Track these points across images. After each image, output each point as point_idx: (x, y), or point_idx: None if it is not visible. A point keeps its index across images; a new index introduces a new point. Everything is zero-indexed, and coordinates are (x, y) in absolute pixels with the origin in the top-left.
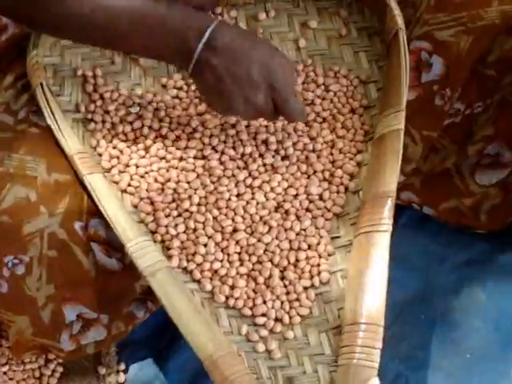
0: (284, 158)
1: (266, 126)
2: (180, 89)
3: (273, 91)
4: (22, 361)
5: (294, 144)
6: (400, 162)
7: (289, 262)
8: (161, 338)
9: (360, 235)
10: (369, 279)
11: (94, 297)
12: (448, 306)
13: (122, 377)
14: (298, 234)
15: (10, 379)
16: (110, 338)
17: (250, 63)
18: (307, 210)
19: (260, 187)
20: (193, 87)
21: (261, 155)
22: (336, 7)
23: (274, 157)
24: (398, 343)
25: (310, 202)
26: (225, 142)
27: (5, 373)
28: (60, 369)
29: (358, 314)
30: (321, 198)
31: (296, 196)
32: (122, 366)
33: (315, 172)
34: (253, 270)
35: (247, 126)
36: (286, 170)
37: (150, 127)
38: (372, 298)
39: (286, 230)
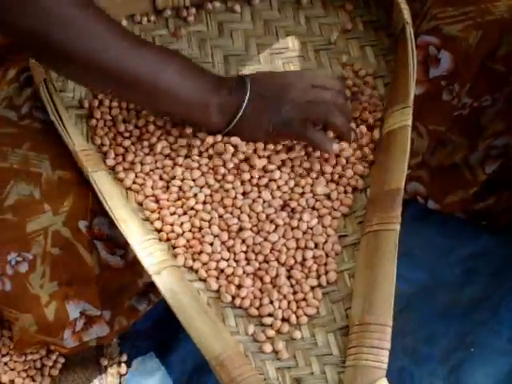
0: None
1: None
2: None
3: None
4: (24, 352)
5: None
6: (408, 159)
7: (295, 261)
8: (163, 330)
9: (368, 234)
10: (377, 279)
11: (98, 294)
12: (453, 299)
13: (123, 368)
14: (304, 233)
15: (12, 370)
16: (112, 334)
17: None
18: (313, 208)
19: (266, 185)
20: None
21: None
22: (342, 1)
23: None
24: (403, 337)
25: (317, 200)
26: None
27: (6, 363)
28: (62, 360)
29: (365, 314)
30: (328, 197)
31: (302, 194)
32: (124, 358)
33: (324, 173)
34: (259, 269)
35: None
36: (293, 169)
37: (154, 124)
38: (380, 298)
39: (292, 228)
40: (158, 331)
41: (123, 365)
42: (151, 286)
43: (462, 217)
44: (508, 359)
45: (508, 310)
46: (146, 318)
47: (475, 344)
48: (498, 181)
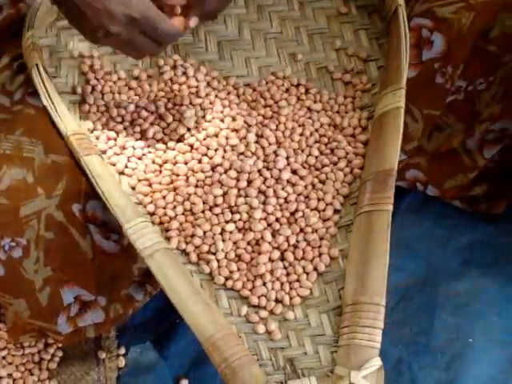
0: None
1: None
2: (174, 68)
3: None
4: (22, 345)
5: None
6: (400, 140)
7: (289, 244)
8: (161, 323)
9: (361, 215)
10: (369, 259)
11: (92, 279)
12: (451, 289)
13: (122, 361)
14: (298, 218)
15: (10, 364)
16: (109, 322)
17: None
18: (307, 197)
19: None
20: (190, 70)
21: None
22: None
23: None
24: (400, 328)
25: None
26: (222, 122)
27: (4, 357)
28: (59, 353)
29: (358, 293)
30: (323, 183)
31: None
32: (123, 351)
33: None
34: (253, 251)
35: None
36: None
37: (146, 109)
38: (373, 278)
39: (286, 213)
40: (156, 324)
41: (121, 358)
42: (147, 276)
43: (459, 205)
44: (505, 349)
45: (505, 301)
46: (144, 310)
47: (473, 334)
48: (497, 166)
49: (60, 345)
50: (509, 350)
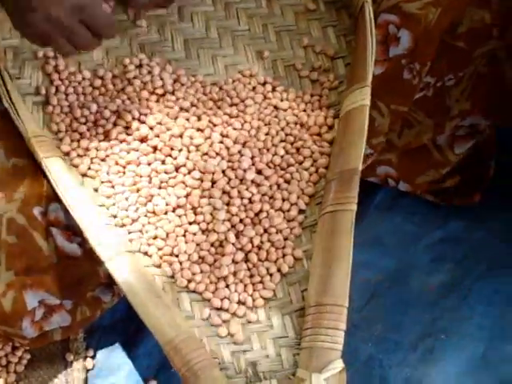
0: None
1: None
2: (140, 67)
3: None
4: None
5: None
6: (365, 140)
7: (253, 246)
8: (129, 324)
9: (325, 215)
10: (333, 260)
11: (56, 282)
12: (423, 285)
13: (90, 363)
14: (263, 219)
15: None
16: (76, 324)
17: None
18: (271, 197)
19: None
20: (155, 69)
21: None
22: None
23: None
24: (371, 325)
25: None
26: (188, 121)
27: None
28: (27, 356)
29: (321, 295)
30: (288, 183)
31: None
32: (91, 352)
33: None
34: (216, 253)
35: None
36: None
37: (109, 109)
38: (336, 279)
39: (250, 214)
40: (125, 325)
41: (89, 359)
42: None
43: (432, 199)
44: (478, 345)
45: (478, 296)
46: (113, 311)
47: (445, 331)
48: (469, 158)
49: (28, 348)
50: (481, 346)
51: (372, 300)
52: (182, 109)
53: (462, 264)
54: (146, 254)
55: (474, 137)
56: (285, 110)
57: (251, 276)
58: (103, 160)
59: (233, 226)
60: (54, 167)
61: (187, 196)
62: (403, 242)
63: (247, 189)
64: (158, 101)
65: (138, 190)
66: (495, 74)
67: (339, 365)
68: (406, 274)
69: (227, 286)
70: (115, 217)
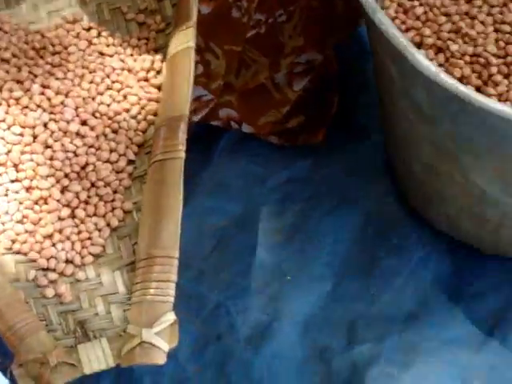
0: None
1: None
2: None
3: None
4: None
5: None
6: (192, 84)
7: (80, 201)
8: None
9: (154, 164)
10: (162, 210)
11: None
12: (270, 228)
13: None
14: (89, 172)
15: None
16: None
17: None
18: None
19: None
20: None
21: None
22: None
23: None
24: (218, 272)
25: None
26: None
27: None
28: None
29: (151, 247)
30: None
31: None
32: None
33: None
34: (41, 211)
35: None
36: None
37: None
38: (166, 230)
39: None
40: None
41: None
42: None
43: (276, 141)
44: (325, 284)
45: (324, 234)
46: None
47: (291, 272)
48: (311, 96)
49: None
50: (328, 285)
51: (218, 246)
52: (2, 60)
53: (308, 203)
54: None
55: (310, 72)
56: (111, 56)
57: (79, 233)
58: None
59: (57, 182)
60: None
61: (8, 153)
62: (249, 185)
63: (71, 141)
64: None
65: None
66: (326, 7)
67: (171, 317)
68: (252, 218)
69: (53, 245)
70: None
